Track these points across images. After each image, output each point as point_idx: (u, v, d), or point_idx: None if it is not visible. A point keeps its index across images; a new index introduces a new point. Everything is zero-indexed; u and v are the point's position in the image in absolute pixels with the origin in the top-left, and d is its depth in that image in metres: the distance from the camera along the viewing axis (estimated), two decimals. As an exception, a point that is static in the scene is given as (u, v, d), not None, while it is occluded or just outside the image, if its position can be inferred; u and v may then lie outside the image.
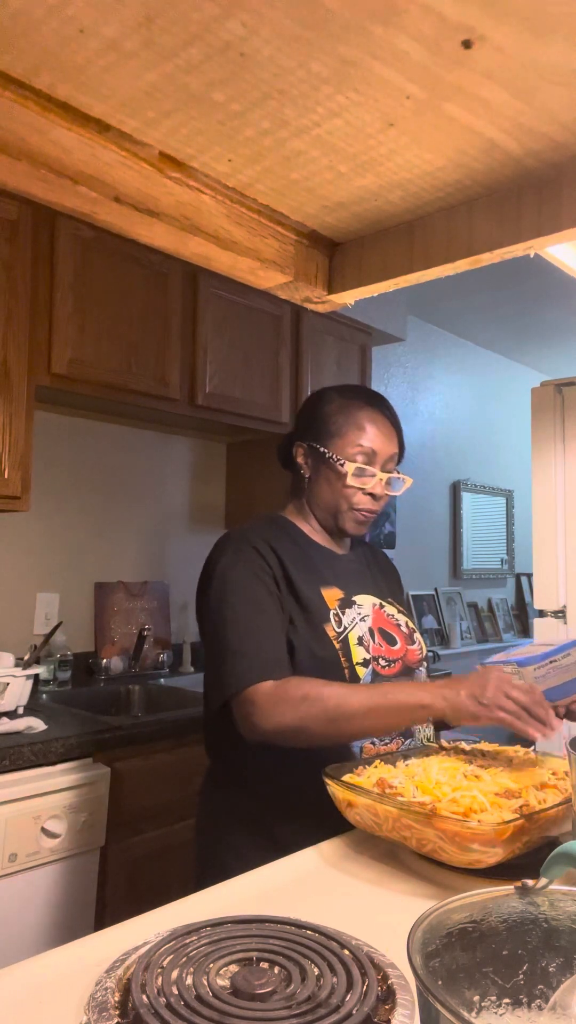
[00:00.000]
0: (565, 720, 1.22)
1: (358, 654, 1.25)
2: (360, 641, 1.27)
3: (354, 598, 1.32)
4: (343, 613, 1.28)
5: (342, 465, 1.30)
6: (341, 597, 1.30)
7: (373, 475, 1.32)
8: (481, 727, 1.11)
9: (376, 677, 1.27)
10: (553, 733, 1.07)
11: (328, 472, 1.33)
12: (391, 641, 1.32)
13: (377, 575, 1.45)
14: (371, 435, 1.32)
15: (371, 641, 1.29)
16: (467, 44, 0.74)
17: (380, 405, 1.36)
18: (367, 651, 1.27)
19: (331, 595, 1.29)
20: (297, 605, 1.25)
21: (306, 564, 1.30)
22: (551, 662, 1.13)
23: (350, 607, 1.30)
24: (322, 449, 1.33)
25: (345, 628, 1.27)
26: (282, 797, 1.22)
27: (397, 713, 1.13)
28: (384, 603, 1.37)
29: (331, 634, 1.25)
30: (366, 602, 1.33)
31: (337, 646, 1.24)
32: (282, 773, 1.22)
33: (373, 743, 1.24)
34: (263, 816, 1.22)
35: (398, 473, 1.37)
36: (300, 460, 1.37)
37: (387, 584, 1.46)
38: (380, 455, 1.32)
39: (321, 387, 1.45)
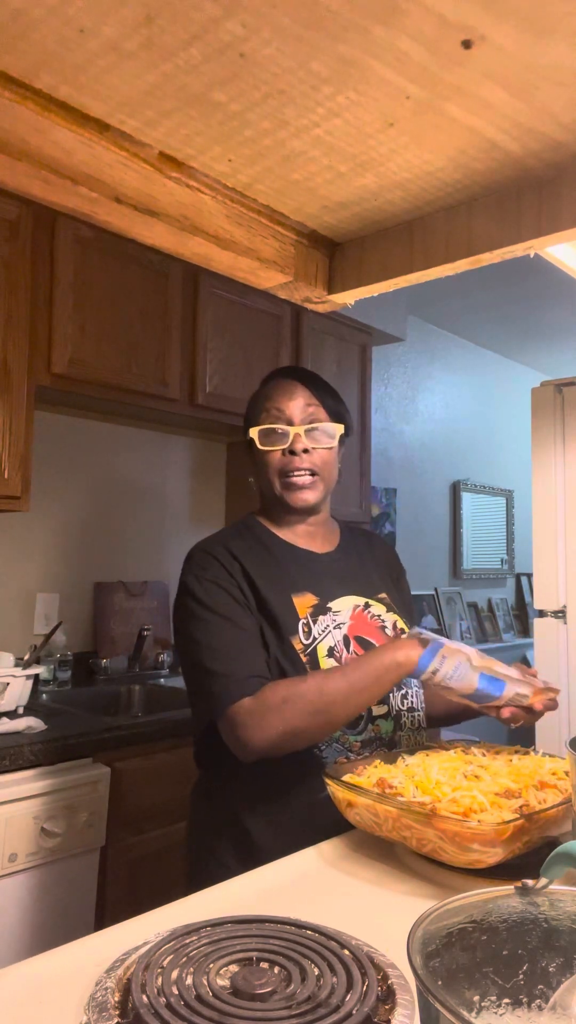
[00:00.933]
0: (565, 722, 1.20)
1: (327, 666, 1.20)
2: (331, 652, 1.22)
3: (330, 604, 1.26)
4: (314, 622, 1.23)
5: (251, 434, 1.28)
6: (315, 604, 1.25)
7: (284, 433, 1.26)
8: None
9: None
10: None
11: (251, 453, 1.30)
12: (369, 648, 1.26)
13: (370, 568, 1.38)
14: (273, 396, 1.28)
15: (344, 650, 1.23)
16: (467, 44, 0.74)
17: (287, 370, 1.34)
18: (338, 662, 1.21)
19: (303, 602, 1.24)
20: (263, 616, 1.21)
21: (276, 571, 1.26)
22: (434, 673, 1.10)
23: (324, 614, 1.25)
24: (248, 437, 1.31)
25: (314, 639, 1.22)
26: (268, 808, 1.19)
27: (376, 681, 1.11)
28: (371, 601, 1.31)
29: (298, 647, 1.20)
30: (345, 606, 1.28)
31: (304, 659, 1.19)
32: (268, 783, 1.19)
33: (347, 758, 1.19)
34: (249, 826, 1.19)
35: (323, 419, 1.28)
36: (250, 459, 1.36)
37: (380, 578, 1.39)
38: (289, 411, 1.27)
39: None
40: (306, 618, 1.23)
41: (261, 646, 1.20)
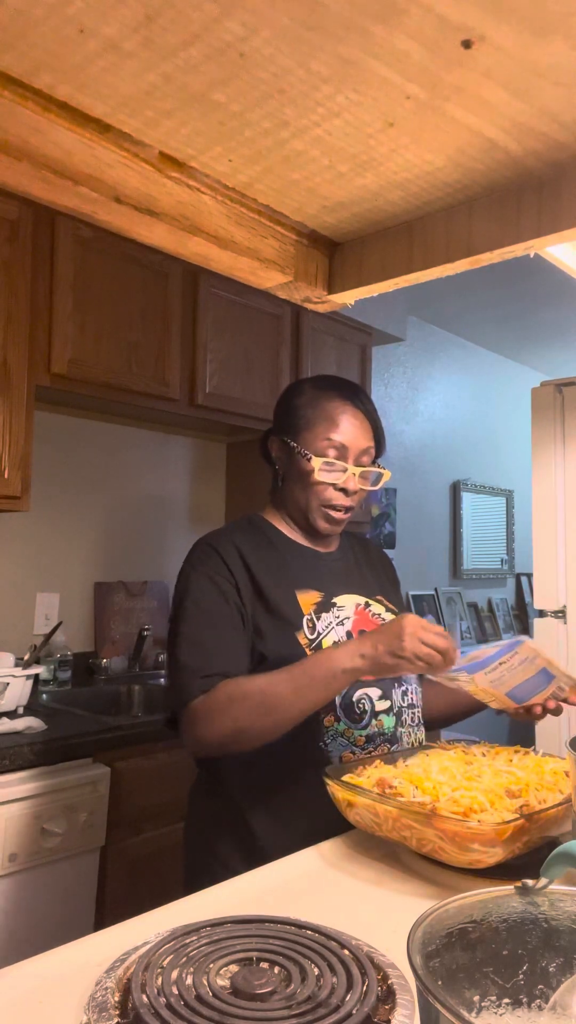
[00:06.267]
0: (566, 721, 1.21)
1: None
2: (335, 647, 1.24)
3: (334, 600, 1.28)
4: (318, 618, 1.25)
5: (309, 460, 1.27)
6: (319, 600, 1.27)
7: (344, 470, 1.28)
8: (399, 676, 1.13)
9: (357, 684, 1.23)
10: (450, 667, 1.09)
11: (298, 467, 1.29)
12: None
13: (366, 571, 1.41)
14: (342, 428, 1.28)
15: None
16: (467, 44, 0.74)
17: (353, 396, 1.32)
18: None
19: (307, 599, 1.26)
20: (267, 613, 1.22)
21: (281, 568, 1.27)
22: (500, 663, 1.10)
23: (328, 610, 1.26)
24: (292, 443, 1.30)
25: (319, 634, 1.23)
26: (267, 806, 1.20)
27: (324, 685, 1.10)
28: (371, 601, 1.33)
29: (303, 642, 1.21)
30: (348, 603, 1.29)
31: (309, 655, 1.20)
32: (266, 782, 1.20)
33: (353, 752, 1.21)
34: (249, 825, 1.20)
35: (377, 467, 1.33)
36: (274, 455, 1.35)
37: (377, 580, 1.42)
38: (352, 449, 1.28)
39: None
40: (310, 614, 1.24)
41: (241, 646, 1.20)
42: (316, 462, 1.26)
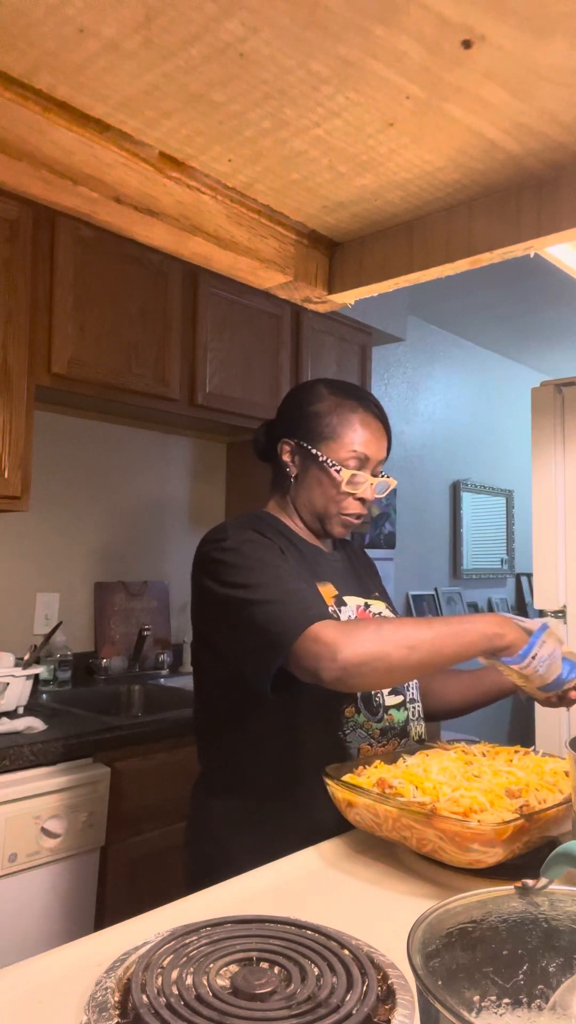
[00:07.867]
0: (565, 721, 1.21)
1: None
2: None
3: (344, 597, 1.30)
4: (339, 610, 1.26)
5: (338, 471, 1.27)
6: (335, 594, 1.29)
7: (364, 480, 1.29)
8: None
9: None
10: None
11: (320, 476, 1.29)
12: None
13: (361, 572, 1.43)
14: (365, 440, 1.29)
15: None
16: (467, 44, 0.74)
17: (372, 406, 1.33)
18: None
19: (326, 591, 1.27)
20: None
21: (300, 559, 1.28)
22: (533, 658, 1.09)
23: (344, 606, 1.28)
24: (314, 451, 1.29)
25: None
26: (273, 804, 1.20)
27: (473, 642, 1.09)
28: (370, 601, 1.35)
29: None
30: (352, 604, 1.31)
31: None
32: (272, 780, 1.20)
33: (370, 744, 1.23)
34: (254, 823, 1.20)
35: (384, 476, 1.34)
36: (287, 458, 1.33)
37: (372, 579, 1.44)
38: (372, 460, 1.30)
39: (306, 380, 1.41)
40: (333, 606, 1.26)
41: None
42: (345, 474, 1.27)
